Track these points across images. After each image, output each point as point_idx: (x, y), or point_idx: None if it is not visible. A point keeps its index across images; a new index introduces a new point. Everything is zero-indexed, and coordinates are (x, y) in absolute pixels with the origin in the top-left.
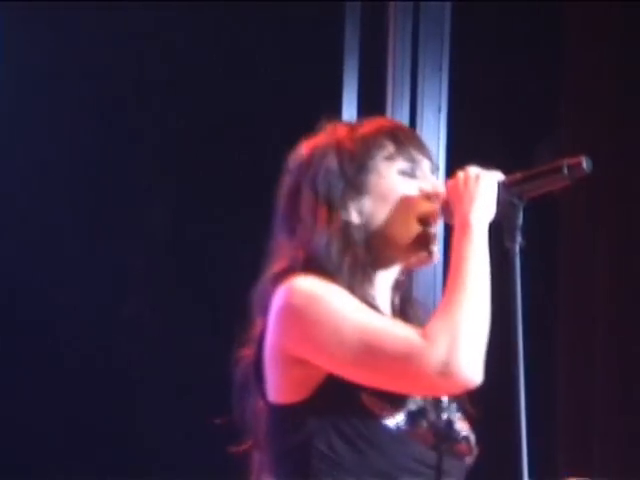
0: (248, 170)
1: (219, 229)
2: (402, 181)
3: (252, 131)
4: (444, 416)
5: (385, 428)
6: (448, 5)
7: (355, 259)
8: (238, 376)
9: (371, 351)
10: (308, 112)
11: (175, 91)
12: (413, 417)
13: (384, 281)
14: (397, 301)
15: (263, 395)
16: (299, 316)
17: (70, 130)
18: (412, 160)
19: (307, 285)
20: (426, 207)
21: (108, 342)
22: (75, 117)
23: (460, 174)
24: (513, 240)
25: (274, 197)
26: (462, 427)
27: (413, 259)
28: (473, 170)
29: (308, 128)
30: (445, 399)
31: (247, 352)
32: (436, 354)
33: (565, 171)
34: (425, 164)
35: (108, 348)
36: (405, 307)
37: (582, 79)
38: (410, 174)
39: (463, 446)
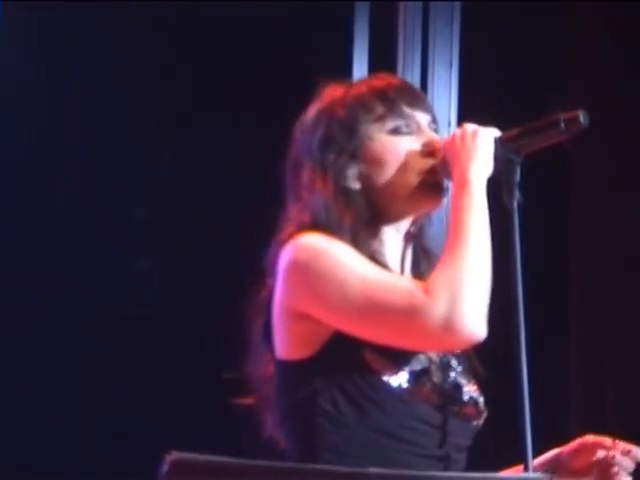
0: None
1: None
2: (395, 140)
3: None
4: (451, 377)
5: (387, 386)
6: None
7: (356, 218)
8: (248, 338)
9: (373, 305)
10: (319, 67)
11: (182, 55)
12: (417, 376)
13: (392, 236)
14: (410, 253)
15: (272, 352)
16: (304, 271)
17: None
18: (404, 116)
19: (311, 241)
20: (423, 161)
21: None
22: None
23: (457, 131)
24: (511, 196)
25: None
26: (470, 389)
27: (420, 207)
28: (470, 127)
29: (318, 83)
30: (454, 361)
31: (257, 316)
32: (438, 308)
33: (562, 125)
34: (420, 117)
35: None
36: (418, 259)
37: (592, 31)
38: (403, 131)
39: (470, 408)
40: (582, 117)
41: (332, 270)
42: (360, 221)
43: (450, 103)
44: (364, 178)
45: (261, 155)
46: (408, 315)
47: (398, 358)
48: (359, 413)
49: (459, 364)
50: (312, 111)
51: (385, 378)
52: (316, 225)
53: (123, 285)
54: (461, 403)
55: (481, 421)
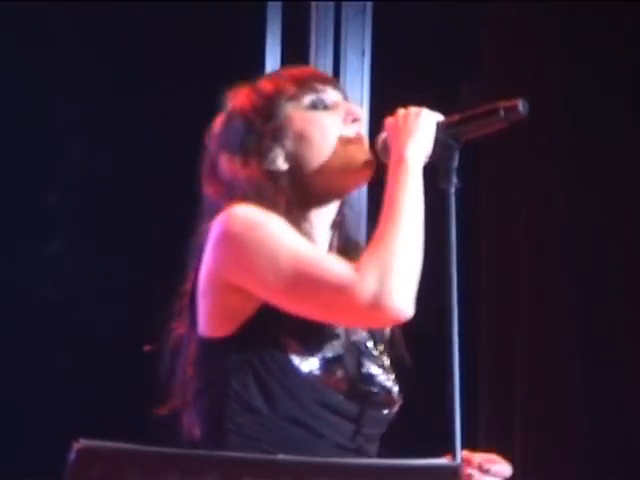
0: (164, 116)
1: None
2: (314, 114)
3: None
4: (365, 366)
5: (297, 371)
6: None
7: (286, 199)
8: (169, 345)
9: (304, 279)
10: (230, 56)
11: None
12: (328, 363)
13: (322, 219)
14: (336, 241)
15: (196, 333)
16: (236, 240)
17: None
18: (316, 91)
19: (244, 211)
20: (346, 131)
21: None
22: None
23: (400, 111)
24: (449, 182)
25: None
26: (385, 377)
27: (351, 180)
28: (413, 108)
29: (230, 78)
30: (374, 348)
31: (180, 323)
32: (367, 285)
33: (502, 113)
34: (332, 93)
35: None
36: (345, 247)
37: (503, 18)
38: (320, 105)
39: (382, 396)
40: (521, 106)
41: (264, 241)
42: (290, 202)
43: (362, 91)
44: (291, 157)
45: (175, 141)
46: (337, 290)
47: (312, 343)
48: (268, 396)
49: (379, 352)
50: (221, 116)
51: (296, 363)
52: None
53: (35, 269)
54: (374, 392)
55: (394, 410)
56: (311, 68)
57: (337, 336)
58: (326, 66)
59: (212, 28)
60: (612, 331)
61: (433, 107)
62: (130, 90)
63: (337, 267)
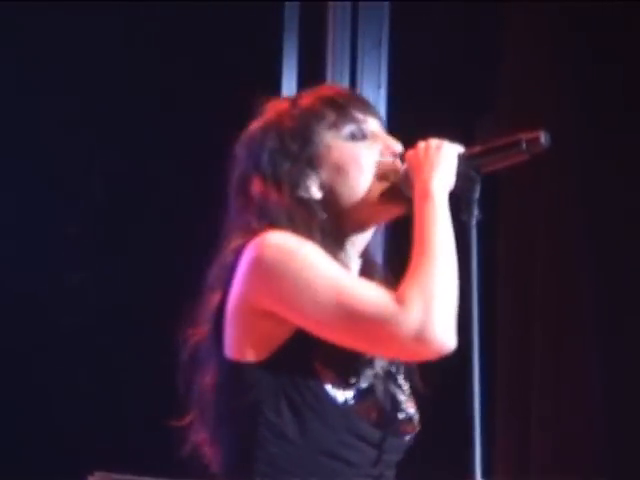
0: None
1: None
2: (353, 145)
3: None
4: (392, 394)
5: (334, 401)
6: None
7: (324, 229)
8: (187, 352)
9: (345, 311)
10: (247, 93)
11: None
12: (362, 394)
13: (355, 248)
14: (363, 268)
15: (221, 355)
16: (272, 267)
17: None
18: (356, 121)
19: (281, 238)
20: (383, 164)
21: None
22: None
23: (421, 143)
24: (470, 213)
25: (216, 179)
26: (408, 405)
27: (385, 213)
28: (434, 140)
29: (248, 109)
30: (398, 374)
31: (199, 329)
32: (411, 319)
33: (523, 145)
34: (372, 123)
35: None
36: (367, 269)
37: (520, 51)
38: (359, 136)
39: (406, 425)
40: (543, 138)
41: (302, 270)
42: (325, 231)
43: (379, 68)
44: (326, 187)
45: (194, 164)
46: (380, 324)
47: (348, 373)
48: (301, 426)
49: (402, 378)
50: (256, 126)
51: (332, 392)
52: (274, 227)
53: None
54: (398, 420)
55: (414, 436)
56: (350, 91)
57: (370, 364)
58: (342, 79)
59: (229, 33)
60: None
61: (450, 140)
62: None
63: (379, 298)
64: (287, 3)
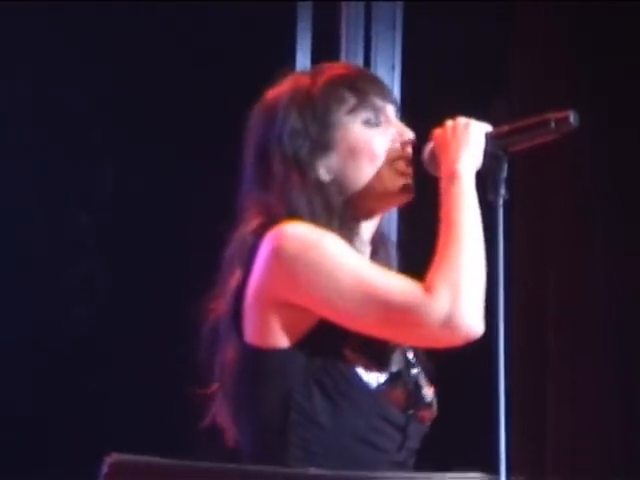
0: (200, 127)
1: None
2: (367, 131)
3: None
4: (415, 379)
5: (366, 386)
6: None
7: (341, 215)
8: (207, 328)
9: (372, 302)
10: (262, 72)
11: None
12: (393, 378)
13: (366, 232)
14: (376, 250)
15: (240, 340)
16: (294, 260)
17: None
18: (375, 108)
19: (302, 230)
20: (395, 153)
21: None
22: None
23: (449, 122)
24: (497, 193)
25: (228, 152)
26: (428, 392)
27: (391, 203)
28: (462, 119)
29: (261, 87)
30: (415, 360)
31: (218, 305)
32: (439, 306)
33: (552, 125)
34: (389, 109)
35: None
36: (378, 254)
37: (533, 33)
38: (374, 123)
39: (427, 412)
40: (572, 117)
41: (326, 262)
42: (344, 219)
43: (393, 49)
44: (335, 170)
45: (206, 156)
46: (408, 313)
47: (379, 358)
48: (333, 410)
49: (418, 364)
50: (275, 99)
51: (365, 377)
52: (293, 216)
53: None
54: (422, 406)
55: (431, 423)
56: (373, 77)
57: (397, 350)
58: None
59: (241, 34)
60: None
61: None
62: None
63: (404, 286)
64: None
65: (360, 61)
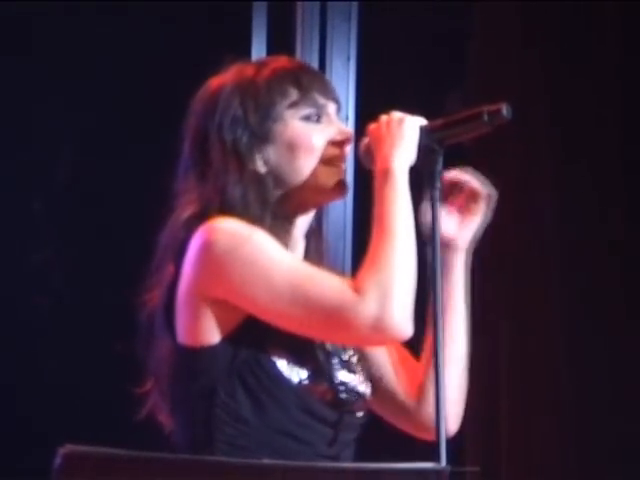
0: (150, 109)
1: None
2: (306, 127)
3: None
4: (343, 372)
5: (286, 381)
6: None
7: (274, 209)
8: (143, 320)
9: (300, 300)
10: (217, 58)
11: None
12: (316, 373)
13: (299, 228)
14: (310, 246)
15: (172, 337)
16: (223, 256)
17: None
18: (316, 105)
19: (232, 226)
20: (331, 151)
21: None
22: None
23: (383, 117)
24: (433, 186)
25: (176, 136)
26: (358, 382)
27: (324, 199)
28: (396, 114)
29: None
30: (347, 352)
31: (153, 296)
32: (368, 308)
33: (485, 118)
34: (330, 107)
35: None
36: (313, 251)
37: (490, 27)
38: (314, 119)
39: (359, 403)
40: (505, 110)
41: (256, 260)
42: (278, 212)
43: (348, 97)
44: (272, 162)
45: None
46: (337, 312)
47: (301, 354)
48: (256, 407)
49: (348, 355)
50: (217, 86)
51: (286, 374)
52: (227, 208)
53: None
54: (352, 399)
55: (367, 413)
56: (315, 70)
57: (321, 346)
58: None
59: (198, 26)
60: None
61: (418, 113)
62: (116, 92)
63: (334, 286)
64: None
65: (315, 52)
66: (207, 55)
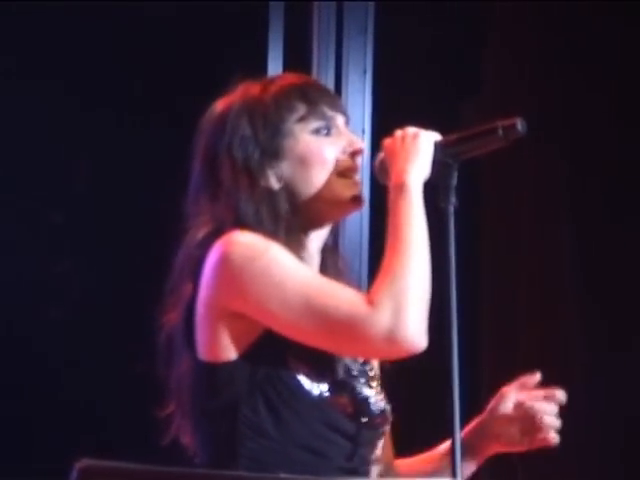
0: (166, 130)
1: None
2: (317, 141)
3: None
4: (363, 387)
5: (307, 394)
6: None
7: (288, 224)
8: (162, 340)
9: (315, 313)
10: (233, 67)
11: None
12: (337, 386)
13: (315, 243)
14: (326, 260)
15: (193, 354)
16: (240, 270)
17: None
18: (325, 118)
19: (249, 239)
20: (343, 163)
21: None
22: None
23: (398, 132)
24: (447, 201)
25: (190, 156)
26: (378, 398)
27: (340, 212)
28: (411, 129)
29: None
30: (367, 367)
31: (172, 316)
32: (382, 320)
33: (500, 132)
34: (339, 119)
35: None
36: (328, 265)
37: (506, 39)
38: (324, 132)
39: (379, 419)
40: (520, 125)
41: (271, 272)
42: (292, 228)
43: (364, 110)
44: (286, 178)
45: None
46: (351, 325)
47: (321, 367)
48: (277, 420)
49: (371, 370)
50: (226, 106)
51: (307, 386)
52: (240, 225)
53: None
54: (372, 414)
55: (387, 428)
56: (321, 85)
57: (341, 359)
58: (327, 85)
59: (213, 34)
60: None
61: (435, 126)
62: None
63: (348, 299)
64: None
65: (332, 66)
66: (222, 76)
